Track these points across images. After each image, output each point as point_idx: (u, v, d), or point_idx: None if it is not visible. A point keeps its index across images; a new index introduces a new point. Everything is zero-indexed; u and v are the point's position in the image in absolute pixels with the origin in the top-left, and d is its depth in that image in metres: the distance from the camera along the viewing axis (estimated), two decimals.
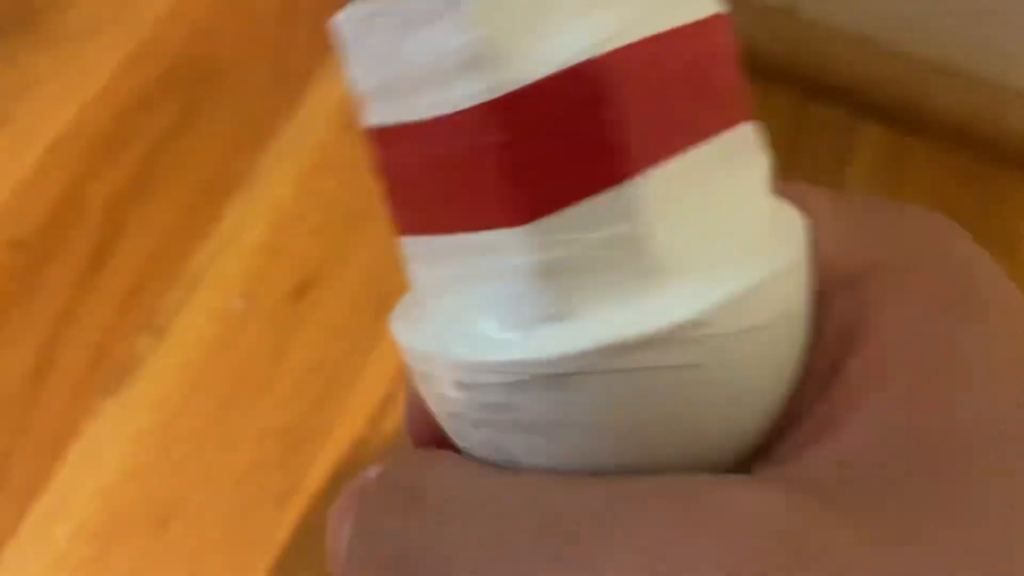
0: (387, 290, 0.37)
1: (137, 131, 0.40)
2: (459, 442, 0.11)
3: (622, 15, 0.10)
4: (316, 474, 0.34)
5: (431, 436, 0.12)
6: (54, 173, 0.39)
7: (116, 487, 0.33)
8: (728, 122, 0.10)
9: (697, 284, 0.09)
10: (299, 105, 0.41)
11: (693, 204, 0.10)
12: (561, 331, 0.09)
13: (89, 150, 0.40)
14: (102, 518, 0.33)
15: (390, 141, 0.10)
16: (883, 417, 0.10)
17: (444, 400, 0.10)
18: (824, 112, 0.44)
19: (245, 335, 0.36)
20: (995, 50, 0.42)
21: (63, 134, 0.40)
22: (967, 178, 0.44)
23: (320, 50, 0.43)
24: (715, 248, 0.10)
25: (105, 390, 0.35)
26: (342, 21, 0.10)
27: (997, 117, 0.43)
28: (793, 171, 0.42)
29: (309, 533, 0.33)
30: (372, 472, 0.12)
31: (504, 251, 0.09)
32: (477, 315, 0.10)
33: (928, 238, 0.11)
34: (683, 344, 0.09)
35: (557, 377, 0.09)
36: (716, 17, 0.11)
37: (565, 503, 0.10)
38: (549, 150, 0.09)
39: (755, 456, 0.10)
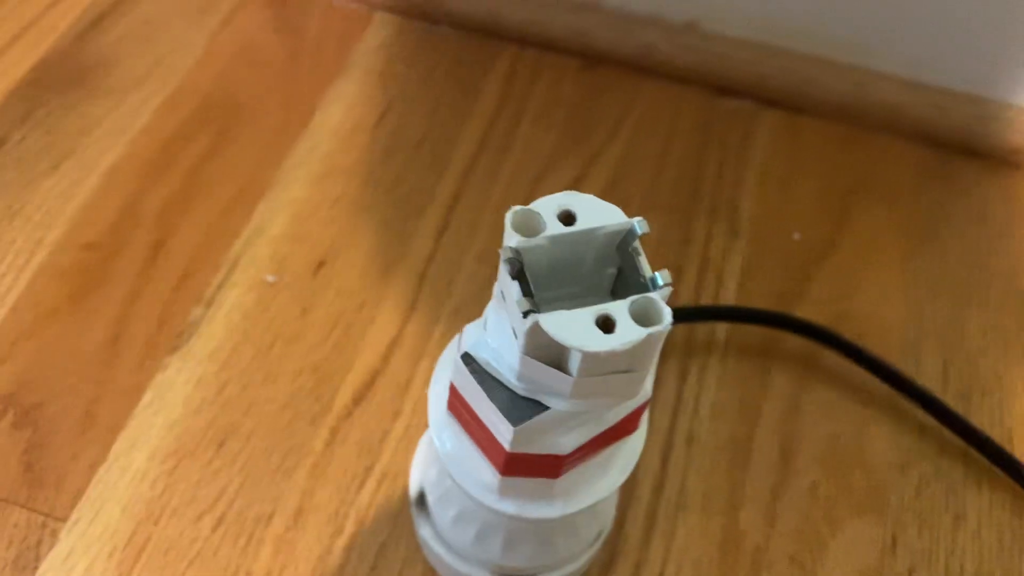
0: (388, 261, 0.46)
1: (179, 156, 0.50)
2: None
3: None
4: (341, 399, 0.42)
5: None
6: (113, 192, 0.48)
7: (182, 421, 0.41)
8: None
9: None
10: (307, 126, 0.51)
11: None
12: None
13: (141, 173, 0.49)
14: (172, 444, 0.41)
15: None
16: None
17: None
18: (730, 105, 0.54)
19: (277, 301, 0.45)
20: (858, 44, 0.52)
21: (118, 162, 0.49)
22: (848, 143, 0.53)
23: (321, 84, 0.53)
24: None
25: (169, 349, 0.43)
26: None
27: (864, 94, 0.53)
28: (708, 153, 0.51)
29: (337, 443, 0.41)
30: None
31: None
32: None
33: None
34: None
35: None
36: None
37: None
38: None
39: None
